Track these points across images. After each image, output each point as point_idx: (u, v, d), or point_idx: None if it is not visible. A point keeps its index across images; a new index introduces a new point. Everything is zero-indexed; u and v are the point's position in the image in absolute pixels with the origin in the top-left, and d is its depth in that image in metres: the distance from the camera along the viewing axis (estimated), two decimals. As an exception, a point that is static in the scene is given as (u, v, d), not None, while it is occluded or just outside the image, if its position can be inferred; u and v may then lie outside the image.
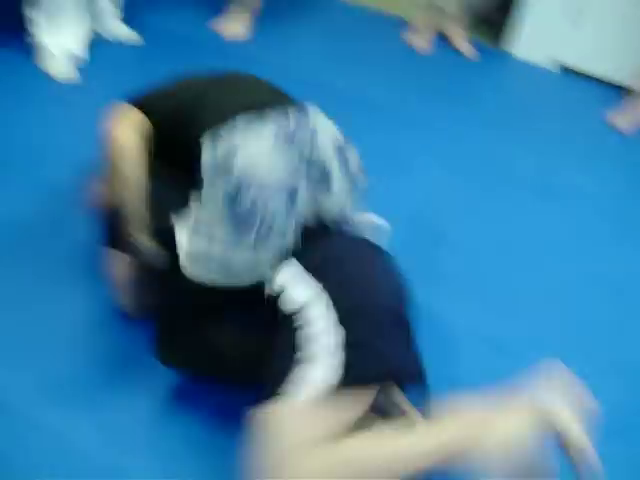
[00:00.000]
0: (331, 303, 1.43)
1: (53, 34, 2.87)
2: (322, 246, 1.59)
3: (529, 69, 3.69)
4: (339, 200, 1.68)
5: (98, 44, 3.17)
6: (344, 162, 1.71)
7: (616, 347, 2.14)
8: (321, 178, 1.64)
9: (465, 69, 3.56)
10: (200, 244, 1.57)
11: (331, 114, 2.93)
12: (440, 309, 2.13)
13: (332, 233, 1.66)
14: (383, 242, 1.75)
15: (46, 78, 2.90)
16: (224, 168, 1.58)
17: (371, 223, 1.77)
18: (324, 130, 1.72)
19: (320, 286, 1.46)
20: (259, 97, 1.80)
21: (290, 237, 1.58)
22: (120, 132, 1.77)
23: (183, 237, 1.59)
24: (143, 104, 1.85)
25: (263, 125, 1.63)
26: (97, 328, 1.94)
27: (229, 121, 1.66)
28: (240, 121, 1.65)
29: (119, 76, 3.11)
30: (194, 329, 1.64)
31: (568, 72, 3.68)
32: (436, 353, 2.00)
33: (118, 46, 3.24)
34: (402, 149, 2.85)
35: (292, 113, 1.70)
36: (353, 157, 1.77)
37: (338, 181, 1.67)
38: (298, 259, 1.54)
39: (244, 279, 1.58)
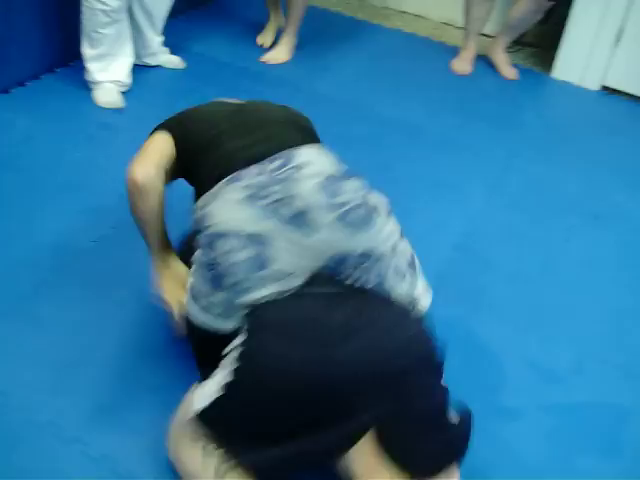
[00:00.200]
0: None
1: (104, 68, 2.96)
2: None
3: (571, 90, 3.67)
4: (332, 241, 1.53)
5: (143, 70, 3.24)
6: (332, 200, 1.56)
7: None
8: (299, 222, 1.53)
9: (508, 92, 3.56)
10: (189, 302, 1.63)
11: (372, 137, 3.00)
12: (487, 335, 2.11)
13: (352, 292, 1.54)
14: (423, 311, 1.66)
15: (96, 107, 2.98)
16: (198, 223, 1.62)
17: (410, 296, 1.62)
18: (311, 174, 1.60)
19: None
20: (262, 140, 1.71)
21: (269, 284, 1.50)
22: (139, 170, 1.72)
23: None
24: (170, 127, 1.86)
25: (239, 179, 1.59)
26: (146, 352, 1.95)
27: (221, 173, 1.64)
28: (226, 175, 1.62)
29: (162, 100, 3.18)
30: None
31: (610, 93, 3.65)
32: (482, 379, 1.99)
33: (162, 71, 3.31)
34: (446, 173, 2.84)
35: (279, 159, 1.63)
36: (367, 196, 1.65)
37: (325, 223, 1.53)
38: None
39: (228, 326, 1.56)
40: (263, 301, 1.50)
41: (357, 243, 1.54)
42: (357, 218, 1.55)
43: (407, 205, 2.61)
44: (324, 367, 1.40)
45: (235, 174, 1.60)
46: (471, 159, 2.95)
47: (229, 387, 1.43)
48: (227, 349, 1.50)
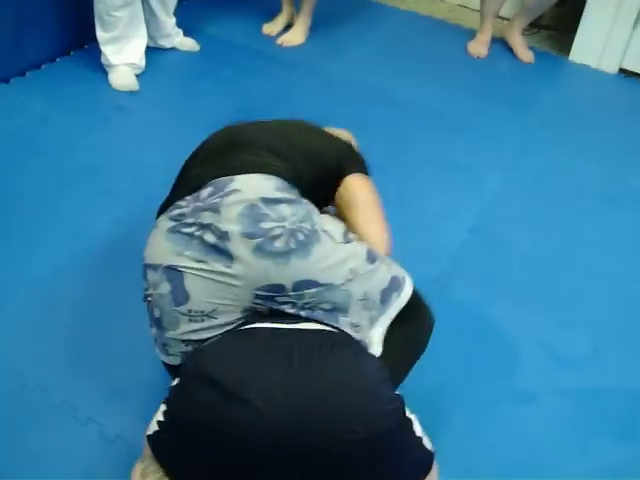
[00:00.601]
0: None
1: (118, 50, 2.96)
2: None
3: (589, 73, 3.63)
4: (256, 272, 1.40)
5: (157, 52, 3.24)
6: (251, 229, 1.42)
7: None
8: (220, 251, 1.42)
9: (524, 75, 3.52)
10: None
11: (388, 120, 2.98)
12: (502, 318, 2.10)
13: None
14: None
15: (111, 90, 2.99)
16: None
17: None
18: (237, 200, 1.46)
19: None
20: (217, 168, 1.57)
21: (189, 322, 1.42)
22: None
23: None
24: None
25: (172, 209, 1.52)
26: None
27: (167, 203, 1.58)
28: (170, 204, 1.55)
29: (177, 82, 3.19)
30: None
31: (628, 76, 3.61)
32: (498, 363, 1.99)
33: (176, 54, 3.31)
34: (461, 155, 2.82)
35: (212, 187, 1.51)
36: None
37: (242, 253, 1.40)
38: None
39: (172, 362, 1.49)
40: (193, 338, 1.42)
41: (289, 272, 1.40)
42: (281, 247, 1.41)
43: (422, 188, 2.62)
44: (248, 433, 1.24)
45: (174, 204, 1.53)
46: (487, 142, 2.93)
47: (160, 424, 1.35)
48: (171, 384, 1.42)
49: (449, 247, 2.36)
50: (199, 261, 1.42)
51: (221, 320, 1.42)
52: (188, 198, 1.51)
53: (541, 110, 3.22)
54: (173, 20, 3.25)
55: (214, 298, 1.41)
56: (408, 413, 1.35)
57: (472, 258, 2.32)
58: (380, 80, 3.27)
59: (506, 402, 1.86)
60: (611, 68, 3.63)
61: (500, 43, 3.69)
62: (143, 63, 3.07)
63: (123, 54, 2.97)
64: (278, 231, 1.42)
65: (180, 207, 1.50)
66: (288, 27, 3.56)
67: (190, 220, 1.46)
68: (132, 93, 2.96)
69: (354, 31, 3.71)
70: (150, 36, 3.13)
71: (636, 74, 3.61)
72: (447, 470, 1.46)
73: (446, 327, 1.73)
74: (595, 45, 3.60)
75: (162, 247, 1.47)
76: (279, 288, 1.41)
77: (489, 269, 2.29)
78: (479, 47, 3.62)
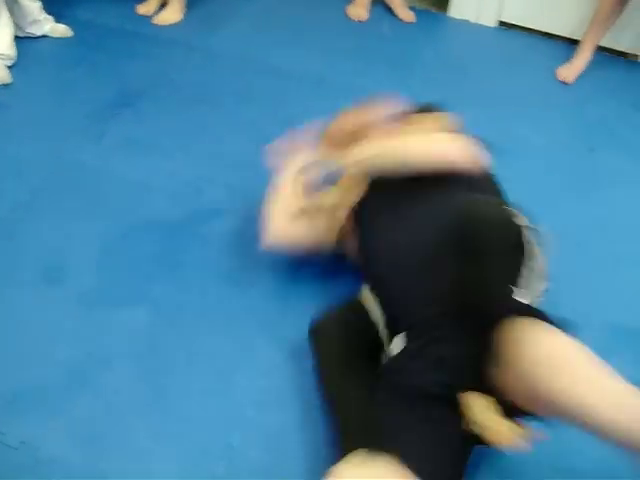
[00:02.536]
0: None
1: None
2: None
3: (468, 28, 3.67)
4: None
5: (27, 41, 3.10)
6: None
7: None
8: None
9: (405, 34, 3.54)
10: None
11: (274, 91, 2.95)
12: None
13: None
14: None
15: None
16: None
17: None
18: None
19: None
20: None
21: None
22: None
23: None
24: None
25: None
26: (52, 332, 1.91)
27: None
28: None
29: (51, 71, 3.06)
30: None
31: (507, 28, 3.68)
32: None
33: (48, 41, 3.18)
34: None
35: None
36: None
37: None
38: None
39: None
40: None
41: None
42: None
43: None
44: None
45: None
46: (373, 104, 2.94)
47: None
48: None
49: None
50: None
51: None
52: None
53: (424, 68, 3.25)
54: (38, 4, 3.10)
55: None
56: None
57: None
58: (262, 51, 3.23)
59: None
60: (490, 21, 3.69)
61: (380, 4, 3.69)
62: (13, 53, 2.93)
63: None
64: None
65: None
66: (163, 6, 3.46)
67: None
68: (4, 86, 2.83)
69: (231, 3, 3.64)
70: (17, 24, 2.99)
71: (515, 25, 3.68)
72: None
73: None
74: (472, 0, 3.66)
75: None
76: None
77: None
78: (359, 10, 3.62)
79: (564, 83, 3.26)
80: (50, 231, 2.19)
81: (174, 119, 2.73)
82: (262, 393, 1.79)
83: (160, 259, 2.12)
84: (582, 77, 3.33)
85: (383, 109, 1.97)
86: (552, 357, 1.30)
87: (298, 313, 1.97)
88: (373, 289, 1.70)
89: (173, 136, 2.63)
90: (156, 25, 3.37)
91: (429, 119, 1.91)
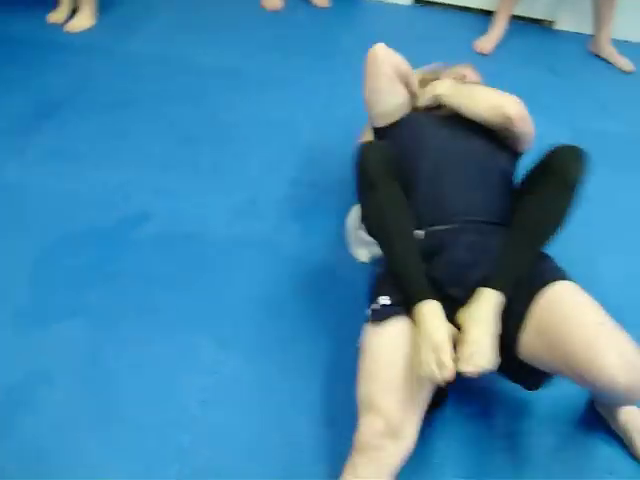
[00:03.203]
0: None
1: None
2: None
3: (384, 8, 3.71)
4: None
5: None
6: None
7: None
8: None
9: (322, 20, 3.55)
10: None
11: (195, 89, 2.93)
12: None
13: None
14: None
15: None
16: None
17: None
18: None
19: None
20: None
21: None
22: None
23: None
24: None
25: None
26: None
27: None
28: None
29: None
30: None
31: (423, 5, 3.72)
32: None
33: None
34: (274, 111, 2.83)
35: None
36: None
37: None
38: None
39: None
40: None
41: None
42: None
43: (240, 150, 2.60)
44: None
45: None
46: (296, 93, 2.94)
47: None
48: None
49: (273, 201, 2.37)
50: None
51: None
52: None
53: (344, 52, 3.26)
54: None
55: None
56: None
57: (295, 208, 2.35)
58: (180, 50, 3.21)
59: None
60: (404, 0, 3.72)
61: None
62: None
63: None
64: None
65: None
66: (75, 12, 3.40)
67: None
68: None
69: (145, 5, 3.60)
70: None
71: (430, 2, 3.72)
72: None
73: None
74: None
75: None
76: None
77: (315, 218, 2.32)
78: (274, 1, 3.61)
79: (482, 54, 3.32)
80: (-23, 252, 2.15)
81: (96, 126, 2.69)
82: (207, 392, 1.79)
83: (94, 268, 2.10)
84: (500, 47, 3.39)
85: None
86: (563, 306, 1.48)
87: (235, 310, 1.98)
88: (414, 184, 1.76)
89: (97, 143, 2.59)
90: (69, 32, 3.31)
91: (463, 69, 2.23)
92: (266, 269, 2.12)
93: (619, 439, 1.71)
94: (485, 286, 1.52)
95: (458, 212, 1.68)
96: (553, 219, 1.59)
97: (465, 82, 2.11)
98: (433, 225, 1.67)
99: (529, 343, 1.49)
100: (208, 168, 2.49)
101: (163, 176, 2.44)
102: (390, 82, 1.96)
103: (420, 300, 1.53)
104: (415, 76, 2.05)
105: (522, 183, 1.73)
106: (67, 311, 1.97)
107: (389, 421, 1.45)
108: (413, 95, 2.04)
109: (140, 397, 1.77)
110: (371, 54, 1.95)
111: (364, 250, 2.11)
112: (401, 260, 1.59)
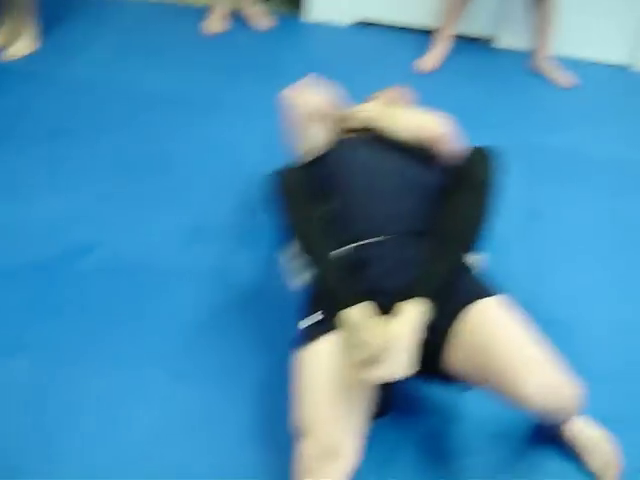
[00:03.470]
0: None
1: None
2: None
3: (327, 30, 3.72)
4: None
5: None
6: None
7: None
8: None
9: (264, 42, 3.56)
10: None
11: (137, 115, 2.88)
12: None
13: None
14: None
15: None
16: None
17: None
18: None
19: None
20: None
21: None
22: None
23: None
24: None
25: None
26: None
27: None
28: None
29: None
30: None
31: (366, 26, 3.74)
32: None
33: None
34: (220, 135, 2.81)
35: None
36: None
37: None
38: None
39: None
40: None
41: None
42: None
43: (184, 176, 2.57)
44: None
45: None
46: (240, 117, 2.93)
47: None
48: None
49: (219, 228, 2.35)
50: None
51: None
52: None
53: (287, 74, 3.20)
54: None
55: None
56: None
57: (241, 234, 2.35)
58: (122, 74, 3.18)
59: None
60: (348, 20, 3.75)
61: (237, 15, 3.68)
62: None
63: None
64: None
65: None
66: (13, 38, 3.32)
67: None
68: None
69: (87, 29, 3.55)
70: None
71: (372, 23, 3.75)
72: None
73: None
74: (329, 0, 3.70)
75: None
76: None
77: (261, 244, 2.30)
78: (214, 24, 3.60)
79: (424, 73, 3.35)
80: None
81: (34, 156, 2.63)
82: (160, 424, 1.75)
83: (35, 303, 2.05)
84: (442, 66, 3.43)
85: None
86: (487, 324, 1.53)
87: (183, 340, 1.96)
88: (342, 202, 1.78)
89: (34, 175, 2.53)
90: (9, 58, 3.23)
91: (392, 93, 2.30)
92: (213, 296, 2.09)
93: (571, 451, 1.72)
94: (409, 294, 1.55)
95: (385, 225, 1.71)
96: (468, 222, 1.66)
97: (396, 104, 2.19)
98: (362, 239, 1.70)
99: (453, 360, 1.55)
100: (151, 196, 2.46)
101: (105, 206, 2.41)
102: (303, 125, 2.03)
103: (343, 308, 1.56)
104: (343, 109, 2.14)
105: (443, 192, 1.78)
106: (8, 349, 1.92)
107: (325, 444, 1.47)
108: (337, 123, 2.10)
109: (89, 435, 1.73)
110: (281, 101, 2.04)
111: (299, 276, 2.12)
112: (323, 277, 1.63)
